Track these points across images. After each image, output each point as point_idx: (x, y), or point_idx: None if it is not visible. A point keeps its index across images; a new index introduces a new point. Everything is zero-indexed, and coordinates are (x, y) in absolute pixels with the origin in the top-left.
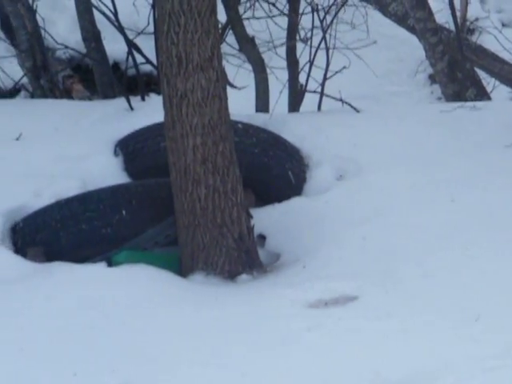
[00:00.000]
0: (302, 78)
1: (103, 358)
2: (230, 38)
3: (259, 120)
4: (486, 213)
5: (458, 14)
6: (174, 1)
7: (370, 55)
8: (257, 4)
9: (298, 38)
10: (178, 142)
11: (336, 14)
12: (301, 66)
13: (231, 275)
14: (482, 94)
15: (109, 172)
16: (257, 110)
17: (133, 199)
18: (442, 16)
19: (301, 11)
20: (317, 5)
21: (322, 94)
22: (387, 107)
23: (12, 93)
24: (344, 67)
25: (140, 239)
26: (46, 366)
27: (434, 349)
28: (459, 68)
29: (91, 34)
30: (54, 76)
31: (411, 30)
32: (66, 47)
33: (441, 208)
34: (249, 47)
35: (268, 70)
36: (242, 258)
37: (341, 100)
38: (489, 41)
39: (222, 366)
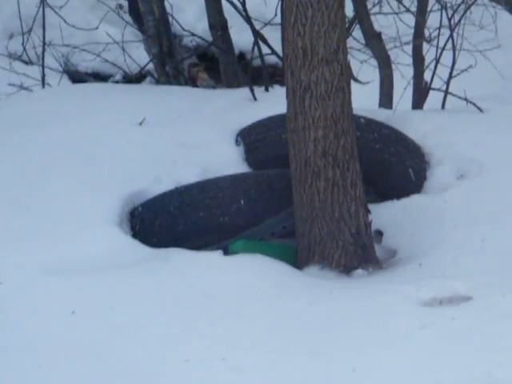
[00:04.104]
0: (427, 76)
1: (215, 345)
2: (357, 32)
3: (382, 115)
4: None
5: None
6: None
7: (497, 56)
8: (384, 0)
9: (424, 37)
10: (300, 134)
11: (464, 12)
12: (426, 63)
13: (346, 269)
14: None
15: (229, 161)
16: (380, 106)
17: (251, 189)
18: None
19: (429, 9)
20: (446, 3)
21: (446, 92)
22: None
23: (138, 78)
24: (470, 66)
25: (257, 229)
26: (159, 351)
27: None
28: None
29: (218, 23)
30: (180, 63)
31: None
32: (193, 34)
33: None
34: (375, 43)
35: (393, 67)
36: (358, 252)
37: (465, 99)
38: None
39: (333, 359)
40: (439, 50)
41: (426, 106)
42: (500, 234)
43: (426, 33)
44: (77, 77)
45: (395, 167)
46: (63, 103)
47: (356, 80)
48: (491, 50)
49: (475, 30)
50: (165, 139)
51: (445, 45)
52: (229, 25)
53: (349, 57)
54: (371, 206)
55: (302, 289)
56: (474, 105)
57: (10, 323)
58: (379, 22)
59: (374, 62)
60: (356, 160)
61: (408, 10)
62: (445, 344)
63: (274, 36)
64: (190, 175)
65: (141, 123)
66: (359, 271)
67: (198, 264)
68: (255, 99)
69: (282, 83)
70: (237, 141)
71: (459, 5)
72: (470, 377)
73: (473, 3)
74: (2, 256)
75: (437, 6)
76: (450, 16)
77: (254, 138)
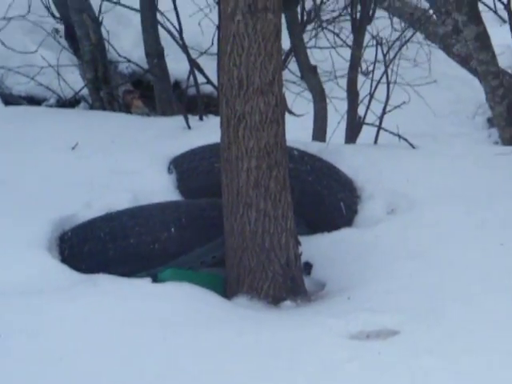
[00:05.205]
0: (360, 111)
1: (140, 373)
2: (293, 65)
3: (315, 148)
4: None
5: None
6: (240, 23)
7: (430, 94)
8: (321, 33)
9: (359, 70)
10: (233, 164)
11: (400, 49)
12: (361, 98)
13: (275, 301)
14: None
15: (161, 188)
16: (313, 139)
17: (182, 217)
18: (505, 59)
19: (365, 44)
20: (381, 39)
21: (379, 127)
22: (443, 146)
23: (72, 103)
24: (403, 102)
25: (187, 258)
26: (83, 379)
27: None
28: None
29: (155, 51)
30: (115, 89)
31: (473, 72)
32: (129, 61)
33: (490, 250)
34: (310, 76)
35: (328, 100)
36: (287, 284)
37: (398, 135)
38: None
39: None
40: (373, 84)
41: (358, 140)
42: (427, 269)
43: (363, 67)
44: (10, 100)
45: (327, 200)
46: None
47: (290, 112)
48: (425, 87)
49: (410, 66)
50: (97, 164)
51: (380, 79)
52: (165, 53)
53: (284, 89)
54: (302, 238)
55: (230, 319)
56: (407, 141)
57: None
58: (315, 56)
59: (309, 95)
60: (288, 191)
61: (345, 44)
62: (371, 378)
63: (209, 65)
64: (121, 201)
65: (73, 148)
66: (288, 303)
67: (126, 290)
68: (189, 128)
69: (216, 113)
70: (169, 169)
71: (394, 41)
72: None
73: (407, 40)
74: None
75: (373, 42)
76: (385, 52)
77: (186, 167)
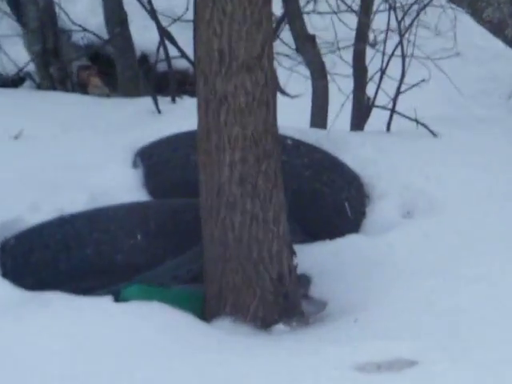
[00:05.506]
0: (370, 90)
1: None
2: (286, 34)
3: (313, 137)
4: None
5: None
6: None
7: (455, 69)
8: None
9: (368, 41)
10: (213, 156)
11: (418, 15)
12: (370, 74)
13: (265, 324)
14: None
15: (124, 186)
16: (312, 125)
17: (151, 221)
18: None
19: (374, 8)
20: (395, 2)
21: (392, 110)
22: (471, 134)
23: (15, 82)
24: (422, 80)
25: (156, 272)
26: None
27: None
28: None
29: (116, 17)
30: (67, 65)
31: (508, 42)
32: (85, 30)
33: None
34: (308, 47)
35: (329, 77)
36: (279, 303)
37: (415, 120)
38: None
39: None
40: (386, 59)
41: (367, 126)
42: (451, 286)
43: (371, 37)
44: None
45: (328, 200)
46: None
47: (283, 92)
48: (448, 61)
49: (430, 36)
50: (46, 158)
51: (393, 52)
52: (129, 20)
53: (275, 64)
54: (297, 247)
55: (210, 346)
56: (426, 127)
57: None
58: (313, 24)
59: (306, 71)
60: (280, 190)
61: (351, 9)
62: None
63: (184, 35)
64: (75, 202)
65: (16, 137)
66: (280, 326)
67: (83, 311)
68: (159, 112)
69: (192, 93)
70: (135, 162)
71: (411, 5)
72: None
73: (428, 3)
74: None
75: (384, 6)
76: (399, 18)
77: (156, 160)
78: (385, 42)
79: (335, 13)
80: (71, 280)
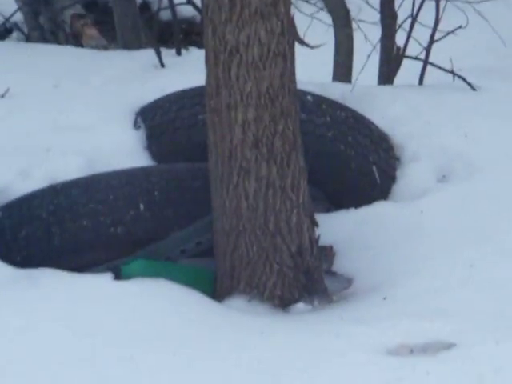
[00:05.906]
0: (399, 39)
1: None
2: None
3: (337, 92)
4: None
5: None
6: None
7: (497, 14)
8: None
9: None
10: (223, 115)
11: None
12: (400, 21)
13: (283, 303)
14: None
15: (124, 150)
16: (334, 79)
17: (155, 189)
18: None
19: None
20: None
21: (426, 61)
22: None
23: (1, 33)
24: (460, 27)
25: (162, 245)
26: None
27: None
28: None
29: None
30: (59, 14)
31: None
32: None
33: None
34: None
35: (354, 25)
36: (299, 279)
37: (452, 72)
38: None
39: None
40: (417, 2)
41: (397, 80)
42: (493, 258)
43: None
44: None
45: (353, 163)
46: None
47: (302, 42)
48: (490, 4)
49: None
50: (36, 118)
51: None
52: None
53: (293, 10)
54: (319, 217)
55: (222, 328)
56: (464, 80)
57: None
58: None
59: (328, 18)
60: (299, 153)
61: None
62: None
63: None
64: (69, 169)
65: (3, 95)
66: (300, 305)
67: (78, 291)
68: (163, 66)
69: (199, 44)
70: (136, 122)
71: None
72: None
73: None
74: None
75: None
76: None
77: (159, 120)
78: None
79: None
80: (65, 256)
